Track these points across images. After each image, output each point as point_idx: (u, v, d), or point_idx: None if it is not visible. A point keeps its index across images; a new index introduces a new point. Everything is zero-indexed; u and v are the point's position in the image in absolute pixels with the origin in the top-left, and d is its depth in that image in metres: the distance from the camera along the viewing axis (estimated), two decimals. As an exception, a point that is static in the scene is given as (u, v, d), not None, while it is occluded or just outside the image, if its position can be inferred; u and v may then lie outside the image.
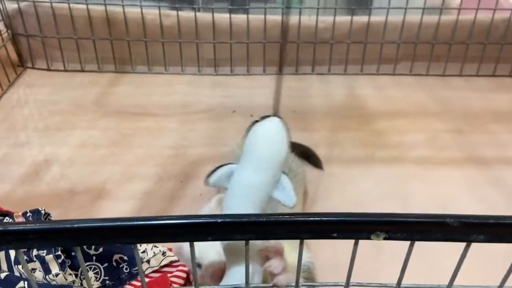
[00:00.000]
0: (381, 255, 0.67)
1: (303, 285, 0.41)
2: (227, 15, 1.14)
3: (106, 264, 0.63)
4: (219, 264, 0.46)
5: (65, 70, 1.18)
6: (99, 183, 0.82)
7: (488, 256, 0.55)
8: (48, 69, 1.18)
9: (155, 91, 1.11)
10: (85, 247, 0.63)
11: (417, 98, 1.12)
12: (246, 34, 1.15)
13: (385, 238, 0.36)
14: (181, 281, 0.60)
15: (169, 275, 0.59)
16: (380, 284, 0.41)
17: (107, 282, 0.62)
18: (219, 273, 0.45)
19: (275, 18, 1.15)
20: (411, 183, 0.83)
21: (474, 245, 0.37)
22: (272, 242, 0.43)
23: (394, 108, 1.07)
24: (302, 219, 0.36)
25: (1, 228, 0.33)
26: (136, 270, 0.62)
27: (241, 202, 0.42)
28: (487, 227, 0.35)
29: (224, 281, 0.42)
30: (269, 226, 0.36)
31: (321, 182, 0.82)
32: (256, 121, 0.45)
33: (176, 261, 0.63)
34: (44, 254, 0.60)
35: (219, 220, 0.36)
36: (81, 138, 0.93)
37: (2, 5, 1.10)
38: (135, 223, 0.36)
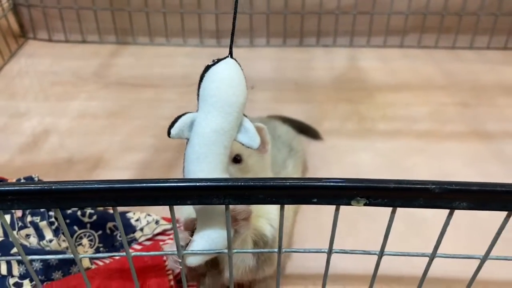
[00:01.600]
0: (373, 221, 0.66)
1: (286, 251, 0.40)
2: (229, -15, 1.11)
3: (100, 232, 0.64)
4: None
5: (67, 41, 1.17)
6: (97, 153, 0.82)
7: (477, 225, 0.54)
8: (50, 40, 1.17)
9: (156, 63, 1.10)
10: (79, 214, 0.64)
11: (424, 71, 1.09)
12: (249, 4, 1.13)
13: (365, 204, 0.36)
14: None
15: (161, 243, 0.60)
16: (364, 251, 0.40)
17: (101, 249, 0.63)
18: (190, 224, 0.44)
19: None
20: (412, 157, 0.81)
21: (463, 213, 0.36)
22: (242, 207, 0.42)
23: (399, 81, 1.04)
24: (282, 183, 0.35)
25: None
26: (130, 238, 0.63)
27: (210, 150, 0.40)
28: (470, 193, 0.34)
29: (194, 243, 0.42)
30: (249, 191, 0.36)
31: (321, 155, 0.81)
32: (209, 65, 0.41)
33: (168, 230, 0.63)
34: (38, 221, 0.60)
35: (197, 184, 0.36)
36: (81, 108, 0.93)
37: (2, -26, 1.10)
38: (115, 185, 0.36)
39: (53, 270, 0.58)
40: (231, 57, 0.41)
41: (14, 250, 0.59)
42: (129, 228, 0.63)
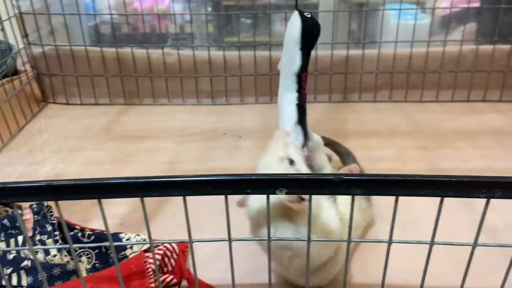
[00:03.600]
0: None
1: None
2: (221, 52, 1.30)
3: (97, 250, 0.75)
4: None
5: (82, 104, 1.35)
6: (100, 192, 0.94)
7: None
8: (67, 103, 1.35)
9: (157, 119, 1.26)
10: (80, 235, 0.75)
11: (393, 120, 1.22)
12: (239, 68, 1.31)
13: (286, 193, 0.47)
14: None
15: (146, 254, 0.70)
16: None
17: (97, 265, 0.74)
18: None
19: (263, 53, 1.30)
20: (374, 190, 0.92)
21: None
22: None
23: (369, 129, 1.18)
24: (223, 178, 0.47)
25: None
26: (122, 255, 0.74)
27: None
28: (361, 183, 0.46)
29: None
30: (200, 184, 0.48)
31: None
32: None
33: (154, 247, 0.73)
34: (45, 239, 0.72)
35: (159, 180, 0.48)
36: (89, 157, 1.08)
37: (29, 49, 1.30)
38: (97, 182, 0.49)
39: (55, 280, 0.69)
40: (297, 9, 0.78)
41: (24, 263, 0.70)
42: (121, 246, 0.74)
